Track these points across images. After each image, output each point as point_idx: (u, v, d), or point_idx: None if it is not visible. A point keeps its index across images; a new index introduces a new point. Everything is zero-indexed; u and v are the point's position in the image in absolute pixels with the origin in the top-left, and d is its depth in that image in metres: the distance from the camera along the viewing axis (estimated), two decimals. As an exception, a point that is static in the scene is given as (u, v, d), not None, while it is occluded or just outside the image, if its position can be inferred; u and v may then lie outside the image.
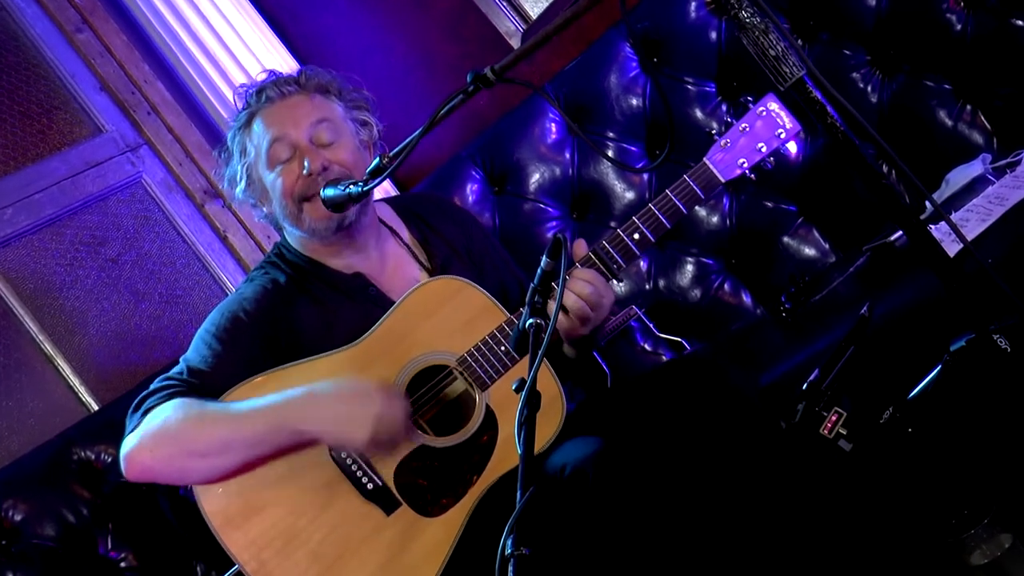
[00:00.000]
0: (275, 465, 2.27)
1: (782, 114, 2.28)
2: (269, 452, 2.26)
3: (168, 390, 2.31)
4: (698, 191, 2.31)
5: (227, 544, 2.23)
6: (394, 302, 2.41)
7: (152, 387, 2.35)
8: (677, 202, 2.31)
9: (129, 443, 2.28)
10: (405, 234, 2.60)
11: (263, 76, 2.55)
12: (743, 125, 2.30)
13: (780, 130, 2.29)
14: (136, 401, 2.33)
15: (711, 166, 2.31)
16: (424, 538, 2.25)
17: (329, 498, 2.26)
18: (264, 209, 2.55)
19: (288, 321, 2.43)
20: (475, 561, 2.22)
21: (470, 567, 2.25)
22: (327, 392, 2.24)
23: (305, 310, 2.45)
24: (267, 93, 2.48)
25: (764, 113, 2.29)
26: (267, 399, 2.26)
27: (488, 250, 2.67)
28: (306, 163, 2.41)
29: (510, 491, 1.58)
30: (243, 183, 2.52)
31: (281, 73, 2.55)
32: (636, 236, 2.31)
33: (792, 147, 2.30)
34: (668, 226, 2.32)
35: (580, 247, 2.34)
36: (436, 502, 2.28)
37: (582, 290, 2.26)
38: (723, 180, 2.31)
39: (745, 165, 2.31)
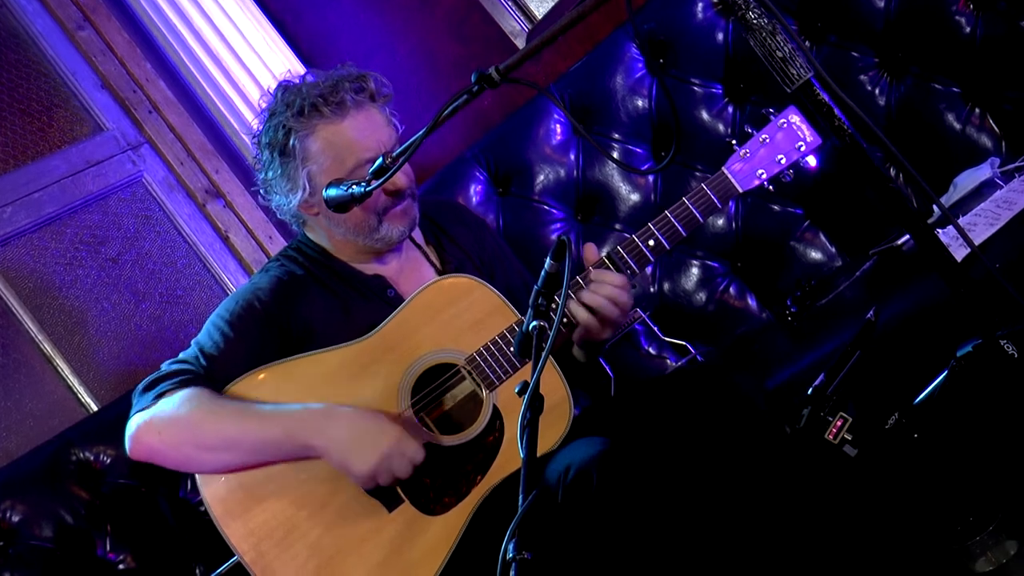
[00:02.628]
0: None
1: (803, 127, 2.28)
2: (275, 458, 2.27)
3: (182, 375, 2.33)
4: (715, 200, 2.31)
5: (226, 533, 2.25)
6: None
7: (165, 370, 2.36)
8: (694, 210, 2.31)
9: (137, 421, 2.29)
10: (420, 238, 2.60)
11: (312, 77, 2.44)
12: (763, 136, 2.30)
13: (800, 143, 2.28)
14: (148, 381, 2.35)
15: (729, 176, 2.31)
16: (425, 536, 2.25)
17: (331, 492, 2.27)
18: (310, 213, 2.46)
19: (301, 313, 2.43)
20: (476, 562, 2.22)
21: (470, 568, 2.24)
22: (345, 415, 2.25)
23: (320, 303, 2.45)
24: (341, 97, 2.37)
25: (785, 125, 2.29)
26: (283, 407, 2.27)
27: (499, 255, 2.68)
28: (405, 186, 2.40)
29: (514, 493, 1.58)
30: (304, 192, 2.40)
31: (349, 73, 2.43)
32: (651, 243, 2.31)
33: (812, 160, 2.29)
34: (684, 234, 2.31)
35: (591, 251, 2.33)
36: (439, 500, 2.28)
37: (610, 292, 2.26)
38: (741, 190, 2.31)
39: (764, 176, 2.30)
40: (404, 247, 2.55)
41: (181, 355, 2.40)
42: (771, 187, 2.32)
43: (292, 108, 2.39)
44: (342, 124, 2.38)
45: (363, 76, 2.43)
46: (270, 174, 2.44)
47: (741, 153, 2.30)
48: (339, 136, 2.38)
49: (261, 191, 2.52)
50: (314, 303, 2.45)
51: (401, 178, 2.39)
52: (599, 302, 2.26)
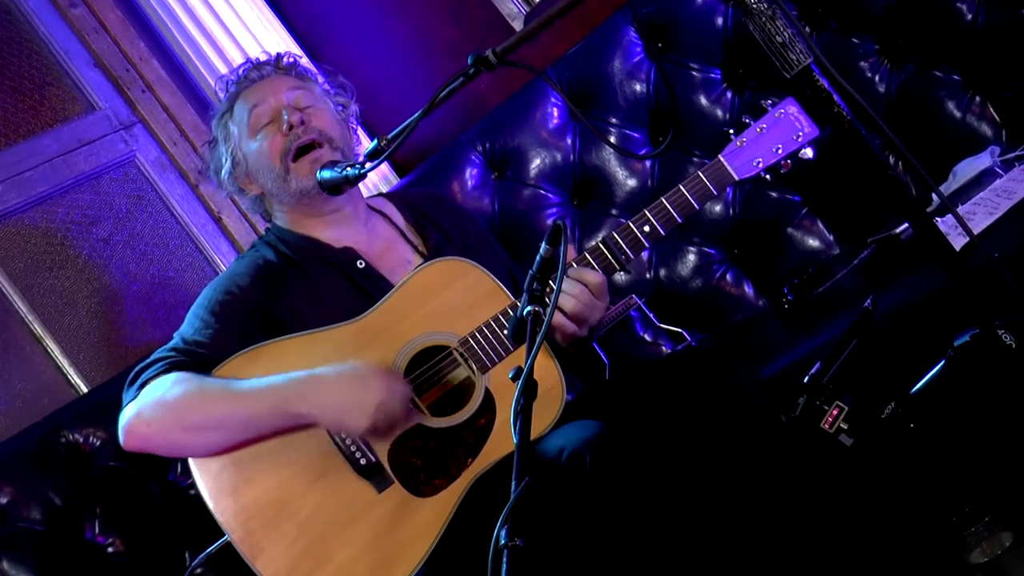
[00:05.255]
0: (270, 436, 2.27)
1: (801, 118, 2.29)
2: (265, 432, 2.25)
3: (166, 361, 2.32)
4: (711, 187, 2.31)
5: (217, 511, 2.23)
6: (384, 277, 2.47)
7: (149, 359, 2.36)
8: (690, 197, 2.31)
9: (128, 414, 2.28)
10: (399, 219, 2.63)
11: (243, 68, 2.67)
12: (760, 126, 2.30)
13: (798, 133, 2.29)
14: (133, 373, 2.34)
15: (726, 164, 2.31)
16: (414, 518, 2.24)
17: (322, 472, 2.26)
18: (251, 193, 2.61)
19: (280, 296, 2.45)
20: (465, 545, 2.22)
21: (459, 550, 2.23)
22: (328, 376, 2.24)
23: (296, 285, 2.47)
24: (248, 76, 2.60)
25: (782, 115, 2.29)
26: (267, 379, 2.26)
27: (483, 244, 2.69)
28: (284, 115, 2.50)
29: (505, 476, 1.57)
30: (228, 164, 2.58)
31: (259, 59, 2.67)
32: (647, 228, 2.31)
33: (808, 152, 2.30)
34: (679, 220, 2.31)
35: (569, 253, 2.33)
36: (429, 482, 2.27)
37: (581, 293, 2.27)
38: (737, 178, 2.31)
39: (760, 165, 2.30)
40: (376, 225, 2.60)
41: (165, 347, 2.40)
42: (768, 176, 2.32)
43: (221, 106, 2.63)
44: (242, 95, 2.58)
45: (279, 55, 2.66)
46: (224, 165, 2.60)
47: (738, 142, 2.30)
48: (239, 105, 2.58)
49: (228, 190, 2.66)
50: (291, 284, 2.47)
51: (294, 115, 2.50)
52: (571, 304, 2.27)
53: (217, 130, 2.62)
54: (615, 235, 2.32)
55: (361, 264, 2.50)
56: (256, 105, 2.54)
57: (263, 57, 2.68)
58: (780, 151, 2.29)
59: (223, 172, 2.60)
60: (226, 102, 2.61)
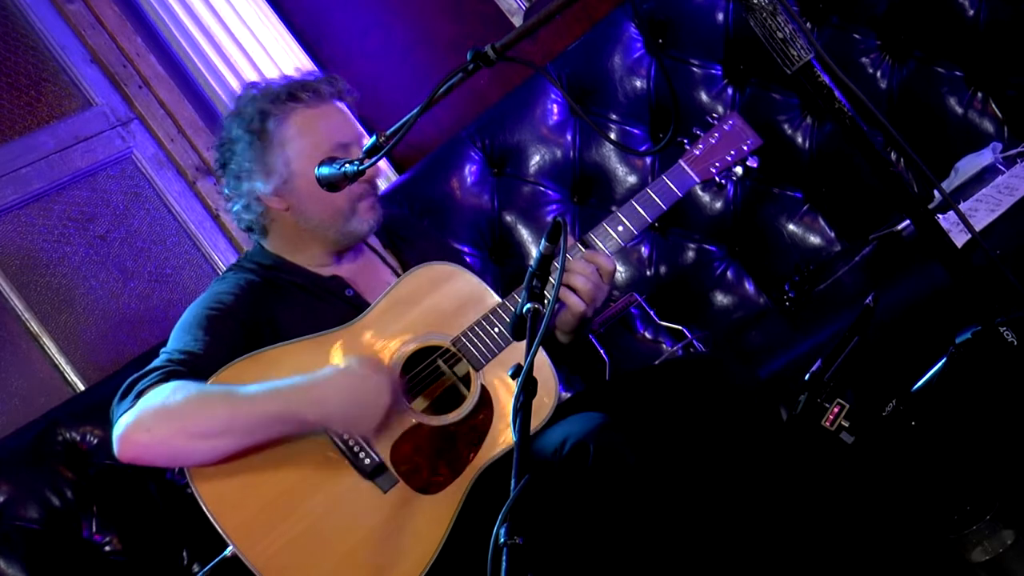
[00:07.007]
0: (271, 443, 2.24)
1: (746, 129, 2.54)
2: (271, 438, 2.23)
3: (162, 371, 2.28)
4: (675, 189, 2.48)
5: (221, 524, 2.19)
6: (369, 304, 2.46)
7: (142, 371, 2.30)
8: (657, 199, 2.46)
9: (124, 422, 2.22)
10: (375, 242, 2.66)
11: (284, 74, 2.57)
12: (713, 135, 2.53)
13: (745, 143, 2.54)
14: (127, 384, 2.29)
15: (686, 168, 2.50)
16: (422, 515, 2.25)
17: (326, 476, 2.25)
18: (268, 204, 2.48)
19: (268, 314, 2.44)
20: (474, 539, 2.20)
21: (469, 544, 2.23)
22: (331, 378, 2.24)
23: (284, 306, 2.46)
24: (319, 89, 2.47)
25: (730, 127, 2.54)
26: (271, 384, 2.24)
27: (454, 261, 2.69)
28: (373, 170, 2.40)
29: (508, 471, 1.57)
30: (259, 167, 2.45)
31: (318, 73, 2.57)
32: (620, 228, 2.45)
33: (751, 163, 2.55)
34: (649, 220, 2.46)
35: None
36: (433, 480, 2.28)
37: (584, 269, 2.36)
38: (697, 181, 2.50)
39: (715, 168, 2.52)
40: (360, 250, 2.60)
41: (153, 363, 2.34)
42: (723, 180, 2.53)
43: (268, 95, 2.46)
44: (318, 110, 2.46)
45: (333, 76, 2.53)
46: (245, 162, 2.46)
47: (695, 149, 2.51)
48: (316, 121, 2.45)
49: (226, 191, 2.54)
50: (276, 306, 2.46)
51: (376, 168, 2.39)
52: (581, 282, 2.35)
53: (271, 122, 2.45)
54: (591, 234, 2.44)
55: (350, 292, 2.51)
56: (345, 145, 2.43)
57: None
58: (731, 157, 2.52)
59: (270, 184, 2.46)
60: (286, 100, 2.45)
